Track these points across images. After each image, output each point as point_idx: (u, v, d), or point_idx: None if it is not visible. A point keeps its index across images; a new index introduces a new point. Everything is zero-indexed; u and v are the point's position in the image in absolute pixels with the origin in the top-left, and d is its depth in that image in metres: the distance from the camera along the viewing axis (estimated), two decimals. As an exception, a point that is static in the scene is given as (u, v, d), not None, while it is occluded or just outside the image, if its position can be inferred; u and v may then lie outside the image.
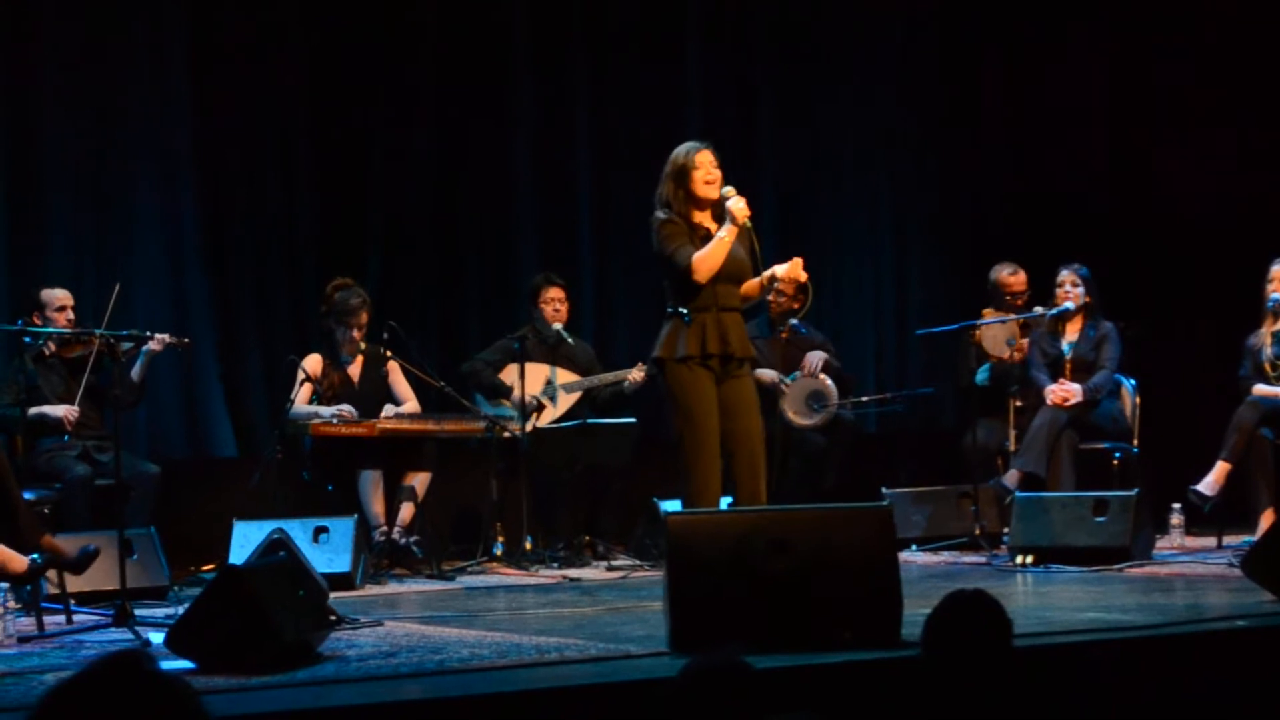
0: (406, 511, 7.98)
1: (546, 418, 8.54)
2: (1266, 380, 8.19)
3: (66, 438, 7.46)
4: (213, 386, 8.81)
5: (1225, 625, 5.36)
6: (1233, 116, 10.05)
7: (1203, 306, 9.82)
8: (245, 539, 7.04)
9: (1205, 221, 10.00)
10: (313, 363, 8.15)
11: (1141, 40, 10.37)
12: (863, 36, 10.52)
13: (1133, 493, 7.51)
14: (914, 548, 8.26)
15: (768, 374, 8.59)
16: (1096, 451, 8.45)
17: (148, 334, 7.43)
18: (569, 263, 9.42)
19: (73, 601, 5.96)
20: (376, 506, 7.92)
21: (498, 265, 9.58)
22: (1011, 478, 8.17)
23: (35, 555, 5.66)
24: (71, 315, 7.58)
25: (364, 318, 8.15)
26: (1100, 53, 10.49)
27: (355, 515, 7.42)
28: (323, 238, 9.11)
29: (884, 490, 8.39)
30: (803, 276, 6.33)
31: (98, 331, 6.92)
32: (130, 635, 5.48)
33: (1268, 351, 8.22)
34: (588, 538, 8.36)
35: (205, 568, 7.67)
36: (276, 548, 6.05)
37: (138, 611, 5.74)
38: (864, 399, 9.38)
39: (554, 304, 8.71)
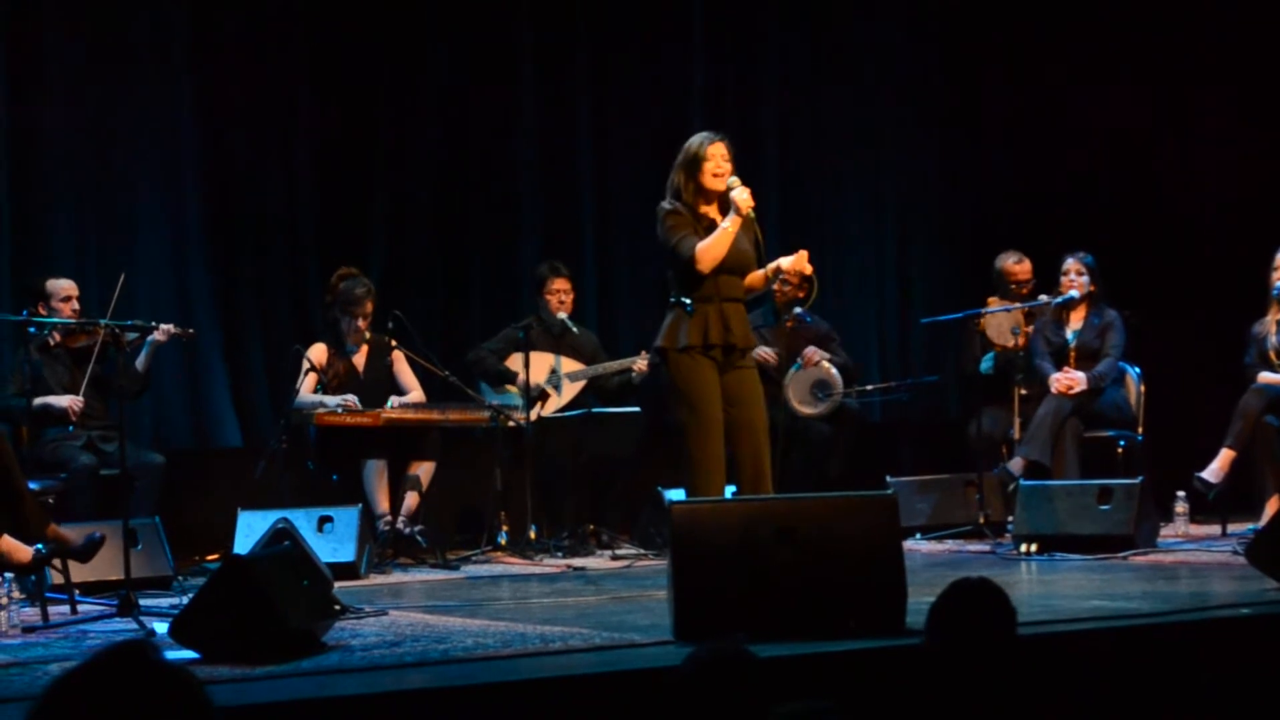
0: (411, 501, 7.99)
1: (551, 407, 8.54)
2: (1271, 368, 8.18)
3: (71, 428, 7.46)
4: (217, 376, 8.82)
5: (1230, 613, 5.36)
6: (1237, 107, 10.04)
7: (1207, 294, 9.81)
8: (250, 529, 7.05)
9: (1210, 209, 9.99)
10: (317, 352, 8.16)
11: (1144, 39, 10.36)
12: (865, 28, 10.51)
13: (1137, 480, 7.51)
14: (918, 536, 8.26)
15: (766, 351, 8.53)
16: (1101, 439, 8.44)
17: (152, 324, 7.42)
18: (572, 252, 9.42)
19: (77, 591, 5.97)
20: (381, 496, 7.93)
21: (502, 255, 9.58)
22: (1016, 466, 8.16)
23: (40, 545, 5.67)
24: (77, 305, 7.57)
25: (369, 307, 8.15)
26: (1106, 52, 10.47)
27: (360, 505, 7.43)
28: (326, 228, 9.11)
29: (888, 479, 8.39)
30: (808, 269, 6.33)
31: (103, 321, 6.92)
32: (135, 625, 5.50)
33: (1273, 339, 8.22)
34: (592, 527, 8.37)
35: (210, 558, 7.66)
36: (281, 537, 6.06)
37: (142, 601, 5.74)
38: (869, 388, 9.38)
39: (559, 295, 8.72)
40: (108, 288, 7.41)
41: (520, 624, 5.41)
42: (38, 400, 7.39)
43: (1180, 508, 8.22)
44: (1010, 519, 7.90)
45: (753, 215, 6.24)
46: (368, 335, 8.23)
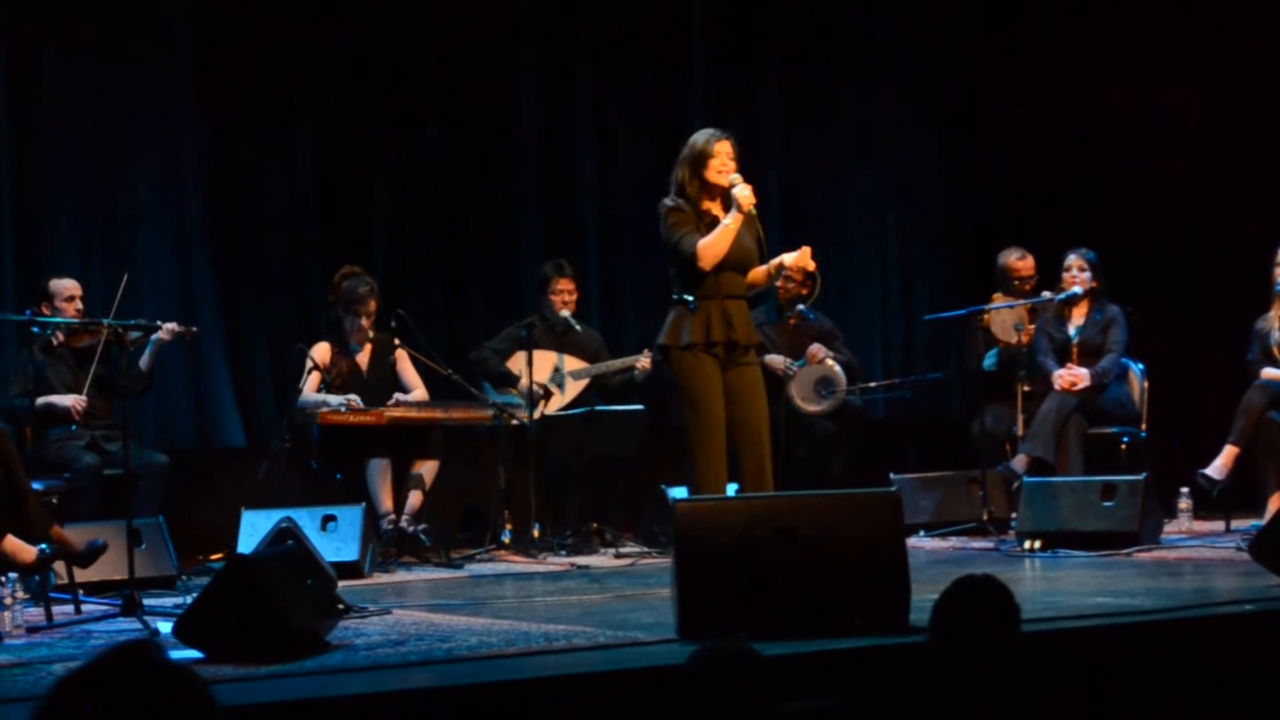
0: (415, 499, 7.99)
1: (554, 405, 8.54)
2: (1274, 364, 8.18)
3: (75, 427, 7.46)
4: (221, 376, 8.82)
5: (1234, 609, 5.36)
6: (1236, 105, 10.03)
7: (1210, 290, 9.79)
8: (253, 528, 7.05)
9: (1213, 205, 9.98)
10: (321, 351, 8.16)
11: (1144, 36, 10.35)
12: (865, 28, 10.50)
13: (1140, 477, 7.51)
14: (922, 533, 8.26)
15: (776, 359, 8.59)
16: (1104, 436, 8.43)
17: (156, 323, 7.43)
18: (574, 251, 9.41)
19: (81, 591, 5.97)
20: (384, 495, 7.93)
21: (503, 254, 9.58)
22: (1019, 463, 8.16)
23: (44, 545, 5.67)
24: (80, 305, 7.57)
25: (372, 306, 8.15)
26: (1103, 51, 10.46)
27: (363, 504, 7.43)
28: (328, 228, 9.11)
29: (892, 476, 8.40)
30: (811, 265, 6.32)
31: (106, 321, 6.91)
32: (139, 625, 5.50)
33: (1276, 335, 8.21)
34: (595, 525, 8.37)
35: (213, 557, 7.67)
36: (284, 536, 6.06)
37: (146, 601, 5.75)
38: (872, 385, 9.38)
39: (563, 294, 8.72)
40: (111, 287, 7.42)
41: (524, 622, 5.41)
42: (41, 400, 7.40)
43: (1184, 504, 8.22)
44: (1014, 516, 7.90)
45: (754, 212, 6.23)
46: (371, 334, 8.23)
